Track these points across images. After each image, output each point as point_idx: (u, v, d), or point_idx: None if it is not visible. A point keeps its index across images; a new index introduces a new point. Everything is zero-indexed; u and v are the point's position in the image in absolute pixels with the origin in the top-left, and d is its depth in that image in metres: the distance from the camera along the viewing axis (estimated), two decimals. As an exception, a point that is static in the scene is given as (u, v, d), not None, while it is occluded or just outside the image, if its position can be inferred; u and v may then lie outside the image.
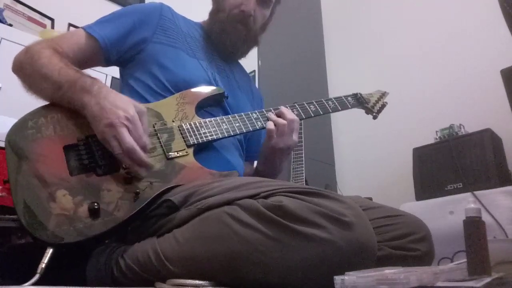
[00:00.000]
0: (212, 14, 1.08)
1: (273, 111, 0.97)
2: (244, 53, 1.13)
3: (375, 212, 0.87)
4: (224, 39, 1.06)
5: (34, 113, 0.78)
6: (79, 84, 0.77)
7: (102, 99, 0.75)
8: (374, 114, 1.16)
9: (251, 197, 0.64)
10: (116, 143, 0.72)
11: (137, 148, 0.73)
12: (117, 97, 0.76)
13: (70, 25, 2.14)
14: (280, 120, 0.93)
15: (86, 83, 0.77)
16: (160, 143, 0.82)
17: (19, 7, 1.98)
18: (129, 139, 0.72)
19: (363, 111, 1.17)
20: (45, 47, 0.85)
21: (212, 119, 0.91)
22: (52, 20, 2.10)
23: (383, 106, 1.18)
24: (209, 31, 1.09)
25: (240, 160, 1.01)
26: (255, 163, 1.12)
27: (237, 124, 0.91)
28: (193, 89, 0.93)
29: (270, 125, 0.93)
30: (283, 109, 0.96)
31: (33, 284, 0.61)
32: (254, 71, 2.26)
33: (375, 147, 2.59)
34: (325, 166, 2.60)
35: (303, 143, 1.91)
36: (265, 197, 0.63)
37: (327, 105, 1.05)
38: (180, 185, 0.78)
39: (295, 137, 0.95)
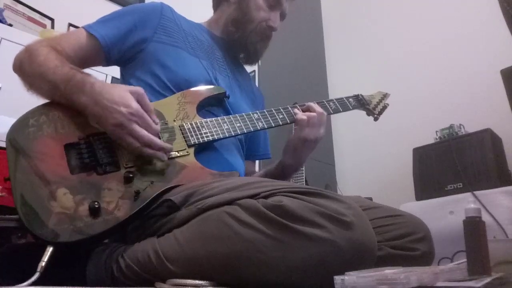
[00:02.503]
0: (236, 21, 1.07)
1: (299, 107, 1.00)
2: (256, 63, 1.17)
3: (375, 212, 0.87)
4: (249, 48, 1.09)
5: (35, 111, 0.78)
6: (73, 83, 0.77)
7: (99, 97, 0.75)
8: (375, 116, 1.16)
9: (251, 197, 0.64)
10: (132, 139, 0.74)
11: (153, 137, 0.76)
12: (114, 92, 0.76)
13: (70, 25, 2.13)
14: (310, 113, 0.97)
15: (79, 82, 0.77)
16: (161, 142, 0.82)
17: (19, 7, 1.98)
18: (143, 133, 0.75)
19: (363, 112, 1.17)
20: (44, 45, 0.85)
21: (213, 119, 0.91)
22: (52, 20, 2.10)
23: (384, 107, 1.17)
24: (227, 36, 1.10)
25: (240, 160, 1.01)
26: (257, 163, 1.12)
27: (238, 124, 0.91)
28: (194, 89, 0.93)
29: (301, 115, 0.96)
30: (311, 103, 1.00)
31: (33, 283, 0.61)
32: (254, 71, 2.26)
33: (375, 147, 2.59)
34: (325, 166, 2.60)
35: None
36: (265, 197, 0.63)
37: (328, 106, 1.06)
38: (180, 185, 0.78)
39: (322, 130, 0.98)
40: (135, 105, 0.75)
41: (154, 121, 0.78)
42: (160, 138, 0.80)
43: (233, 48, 1.11)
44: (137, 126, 0.74)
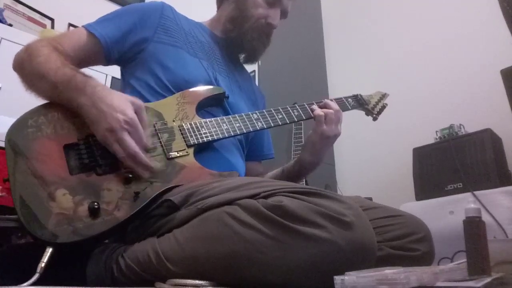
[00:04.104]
0: (234, 19, 1.07)
1: (315, 104, 1.02)
2: (255, 61, 1.16)
3: (375, 212, 0.87)
4: (245, 46, 1.07)
5: (34, 111, 0.78)
6: (73, 83, 0.77)
7: (98, 101, 0.75)
8: (374, 115, 1.16)
9: (251, 197, 0.64)
10: (118, 147, 0.73)
11: (139, 152, 0.74)
12: (114, 97, 0.76)
13: (70, 25, 2.13)
14: (327, 110, 0.99)
15: (80, 83, 0.77)
16: (161, 143, 0.82)
17: (19, 7, 1.98)
18: (131, 144, 0.73)
19: (363, 112, 1.17)
20: (44, 45, 0.85)
21: (212, 119, 0.91)
22: (52, 20, 2.10)
23: (383, 107, 1.18)
24: (226, 34, 1.09)
25: (240, 160, 1.01)
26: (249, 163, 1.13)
27: (238, 125, 0.91)
28: (194, 89, 0.93)
29: (319, 111, 0.98)
30: (328, 101, 1.02)
31: (33, 284, 0.61)
32: (254, 71, 2.26)
33: (375, 147, 2.58)
34: (325, 166, 2.59)
35: (303, 143, 1.90)
36: (265, 197, 0.63)
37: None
38: (180, 185, 0.78)
39: (340, 127, 1.00)
40: (131, 114, 0.75)
41: (146, 136, 0.77)
42: (150, 151, 0.79)
43: (232, 47, 1.10)
44: (127, 135, 0.73)
